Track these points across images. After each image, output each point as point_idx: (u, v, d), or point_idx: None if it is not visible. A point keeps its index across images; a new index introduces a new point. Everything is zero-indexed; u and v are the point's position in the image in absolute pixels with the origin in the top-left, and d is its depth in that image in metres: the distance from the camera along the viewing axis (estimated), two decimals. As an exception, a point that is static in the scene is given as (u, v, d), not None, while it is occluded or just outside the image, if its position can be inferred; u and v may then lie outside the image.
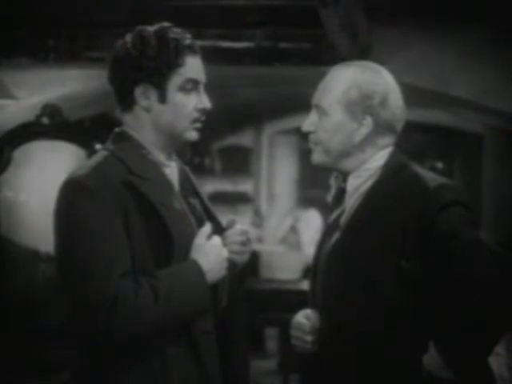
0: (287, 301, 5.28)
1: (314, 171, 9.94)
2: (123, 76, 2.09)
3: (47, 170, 5.48)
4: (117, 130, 2.15)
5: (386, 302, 2.10)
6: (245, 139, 10.17)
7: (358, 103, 2.17)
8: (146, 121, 2.11)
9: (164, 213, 2.02)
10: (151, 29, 2.11)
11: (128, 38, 2.11)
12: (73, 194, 2.00)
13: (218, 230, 2.16)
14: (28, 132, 5.44)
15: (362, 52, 5.40)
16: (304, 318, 2.23)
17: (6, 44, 5.47)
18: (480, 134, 8.78)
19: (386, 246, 2.09)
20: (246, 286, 2.25)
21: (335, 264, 2.18)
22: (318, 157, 2.24)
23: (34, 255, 5.55)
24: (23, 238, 5.61)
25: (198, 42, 2.14)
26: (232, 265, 2.14)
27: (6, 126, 5.46)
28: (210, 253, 2.05)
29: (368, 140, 2.19)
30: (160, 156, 2.13)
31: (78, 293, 1.96)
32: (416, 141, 8.70)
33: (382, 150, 2.21)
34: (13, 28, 5.50)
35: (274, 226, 9.51)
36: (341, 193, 2.26)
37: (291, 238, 8.17)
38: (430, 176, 2.15)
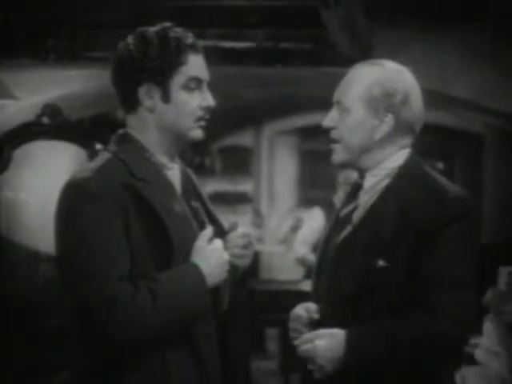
0: (287, 301, 5.27)
1: (314, 171, 9.95)
2: (126, 77, 2.09)
3: (47, 170, 5.48)
4: (120, 131, 2.15)
5: (394, 300, 2.10)
6: (245, 139, 10.17)
7: (380, 100, 2.19)
8: (150, 121, 2.11)
9: (164, 216, 2.01)
10: (153, 29, 2.11)
11: (130, 39, 2.11)
12: (74, 195, 2.00)
13: (220, 232, 2.16)
14: (28, 132, 5.44)
15: (362, 52, 5.39)
16: (303, 310, 2.23)
17: (6, 44, 5.47)
18: (480, 134, 8.78)
19: (394, 245, 2.10)
20: (247, 288, 2.25)
21: (344, 257, 2.18)
22: (339, 156, 2.24)
23: (34, 255, 5.54)
24: (23, 238, 5.60)
25: (199, 42, 2.14)
26: (233, 268, 2.14)
27: (7, 126, 5.46)
28: (211, 256, 2.05)
29: (388, 138, 2.20)
30: (163, 158, 2.12)
31: (78, 293, 1.96)
32: (416, 141, 8.69)
33: (400, 149, 2.23)
34: (13, 28, 5.50)
35: (274, 227, 9.51)
36: (356, 189, 2.27)
37: (291, 238, 8.15)
38: (445, 183, 2.18)
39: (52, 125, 5.44)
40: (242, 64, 5.61)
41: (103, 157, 2.09)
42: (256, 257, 2.27)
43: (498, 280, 3.88)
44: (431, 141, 9.25)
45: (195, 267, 2.02)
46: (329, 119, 2.24)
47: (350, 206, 2.26)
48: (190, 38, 2.11)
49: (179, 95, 2.09)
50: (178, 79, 2.09)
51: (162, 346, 2.00)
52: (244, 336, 2.19)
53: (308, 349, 2.09)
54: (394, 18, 5.67)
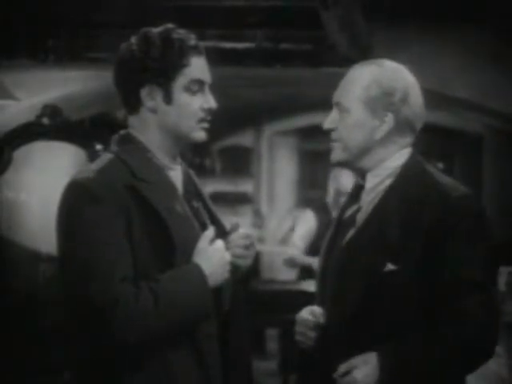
0: (288, 302, 5.27)
1: (314, 172, 9.95)
2: (128, 77, 2.09)
3: (47, 171, 5.48)
4: (122, 132, 2.15)
5: (403, 301, 2.10)
6: (245, 140, 10.17)
7: (379, 100, 2.18)
8: (152, 122, 2.11)
9: (166, 216, 2.01)
10: (156, 30, 2.11)
11: (133, 39, 2.11)
12: (76, 196, 2.00)
13: (222, 233, 2.16)
14: (28, 132, 5.44)
15: (361, 53, 5.40)
16: (309, 314, 2.23)
17: (6, 45, 5.48)
18: (480, 134, 8.79)
19: (403, 245, 2.10)
20: (249, 288, 2.25)
21: (350, 259, 2.17)
22: (337, 155, 2.23)
23: (34, 255, 5.54)
24: (23, 239, 5.60)
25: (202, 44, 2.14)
26: (235, 268, 2.14)
27: (7, 127, 5.46)
28: (213, 256, 2.05)
29: (389, 137, 2.20)
30: (164, 159, 2.12)
31: (80, 294, 1.96)
32: (416, 141, 8.70)
33: (401, 149, 2.22)
34: (13, 28, 5.51)
35: (274, 227, 9.51)
36: (357, 190, 2.27)
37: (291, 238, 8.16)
38: (449, 182, 2.18)
39: (52, 125, 5.44)
40: (241, 64, 5.61)
41: (105, 157, 2.09)
42: (257, 257, 2.27)
43: (497, 280, 3.88)
44: (430, 141, 9.26)
45: (197, 268, 2.02)
46: (329, 121, 2.24)
47: (353, 208, 2.25)
48: (192, 40, 2.11)
49: (181, 97, 2.09)
50: (181, 81, 2.09)
51: (164, 345, 2.00)
52: (245, 336, 2.19)
53: (349, 381, 2.09)
54: (393, 19, 5.67)
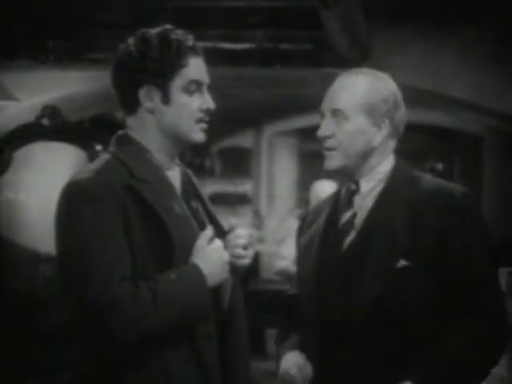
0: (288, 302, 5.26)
1: (314, 173, 9.95)
2: (126, 78, 2.09)
3: (47, 171, 5.49)
4: (120, 132, 2.15)
5: (416, 293, 2.12)
6: (245, 140, 10.17)
7: (377, 107, 2.21)
8: (150, 123, 2.11)
9: (165, 216, 2.02)
10: (154, 31, 2.11)
11: (131, 40, 2.11)
12: (74, 197, 2.00)
13: (220, 233, 2.16)
14: (28, 133, 5.45)
15: (361, 53, 5.41)
16: (296, 370, 2.20)
17: (6, 46, 5.48)
18: (479, 134, 8.79)
19: (409, 243, 2.12)
20: (248, 288, 2.25)
21: (359, 260, 2.17)
22: (335, 162, 2.24)
23: (34, 256, 5.55)
24: (23, 239, 5.61)
25: (199, 43, 2.15)
26: (234, 268, 2.14)
27: (7, 127, 5.47)
28: (211, 256, 2.05)
29: (383, 143, 2.23)
30: (163, 159, 2.13)
31: (79, 294, 1.96)
32: (416, 141, 8.71)
33: (390, 153, 2.26)
34: (13, 28, 5.51)
35: (274, 227, 9.51)
36: (349, 196, 2.27)
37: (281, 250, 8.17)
38: (443, 182, 2.21)
39: (51, 126, 5.45)
40: (241, 65, 5.62)
41: (103, 158, 2.09)
42: (256, 257, 2.26)
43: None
44: (430, 141, 9.27)
45: (196, 267, 2.02)
46: (325, 128, 2.24)
47: (348, 213, 2.25)
48: (190, 41, 2.11)
49: (179, 97, 2.09)
50: (178, 82, 2.09)
51: (163, 345, 2.00)
52: (244, 336, 2.19)
53: None
54: (393, 20, 5.68)
